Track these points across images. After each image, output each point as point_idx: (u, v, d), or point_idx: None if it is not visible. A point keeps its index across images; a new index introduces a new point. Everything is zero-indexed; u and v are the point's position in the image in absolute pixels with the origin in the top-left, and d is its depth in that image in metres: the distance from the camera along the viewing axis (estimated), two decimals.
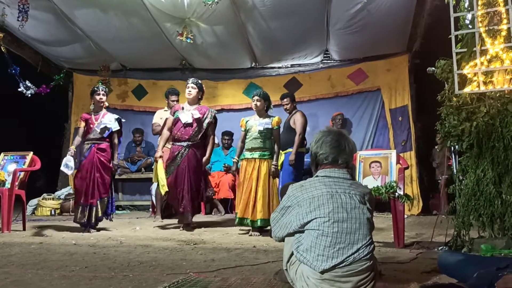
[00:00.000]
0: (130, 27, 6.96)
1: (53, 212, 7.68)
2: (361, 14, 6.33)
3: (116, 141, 5.55)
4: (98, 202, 5.35)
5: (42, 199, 7.85)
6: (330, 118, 7.77)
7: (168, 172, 5.50)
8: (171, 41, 7.33)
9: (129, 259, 3.63)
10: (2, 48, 6.84)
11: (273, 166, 5.24)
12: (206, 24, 6.72)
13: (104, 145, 5.47)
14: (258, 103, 5.33)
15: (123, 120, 5.79)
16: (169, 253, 3.96)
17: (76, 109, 8.80)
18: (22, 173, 5.67)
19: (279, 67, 8.39)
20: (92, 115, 5.57)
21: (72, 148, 5.47)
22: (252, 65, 8.39)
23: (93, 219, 5.34)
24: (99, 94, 5.57)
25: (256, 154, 5.24)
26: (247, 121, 5.39)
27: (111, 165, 5.48)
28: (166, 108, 6.82)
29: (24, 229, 5.56)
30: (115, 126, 5.50)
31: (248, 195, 5.14)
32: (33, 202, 7.87)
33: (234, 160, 5.42)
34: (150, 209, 7.42)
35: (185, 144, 5.49)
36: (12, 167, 5.63)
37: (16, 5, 6.12)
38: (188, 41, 6.68)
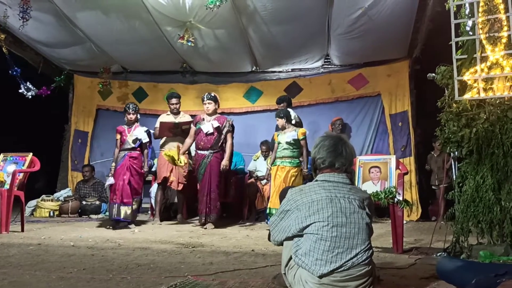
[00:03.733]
0: (131, 29, 6.97)
1: (51, 214, 7.66)
2: (362, 19, 6.34)
3: (146, 150, 6.37)
4: (130, 203, 5.99)
5: (41, 200, 7.84)
6: (330, 123, 7.77)
7: (199, 176, 6.16)
8: (172, 44, 7.34)
9: (127, 262, 3.63)
10: (3, 49, 6.85)
11: (305, 171, 5.95)
12: (207, 28, 6.73)
13: (136, 153, 6.21)
14: (279, 121, 6.01)
15: (151, 131, 6.54)
16: (167, 255, 3.95)
17: (76, 111, 8.81)
18: (21, 174, 5.67)
19: (279, 71, 8.38)
20: (126, 128, 6.31)
21: (113, 167, 6.22)
22: (253, 69, 8.39)
23: (123, 216, 5.94)
24: (129, 114, 6.33)
25: (286, 162, 5.88)
26: (278, 135, 6.06)
27: (143, 171, 6.25)
28: (168, 112, 6.85)
29: (22, 230, 5.55)
30: (144, 138, 6.27)
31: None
32: (32, 203, 7.86)
33: (268, 167, 6.21)
34: (149, 212, 7.41)
35: (207, 152, 6.11)
36: (11, 168, 5.62)
37: (18, 6, 6.14)
38: (189, 44, 6.69)
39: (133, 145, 6.20)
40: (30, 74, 7.70)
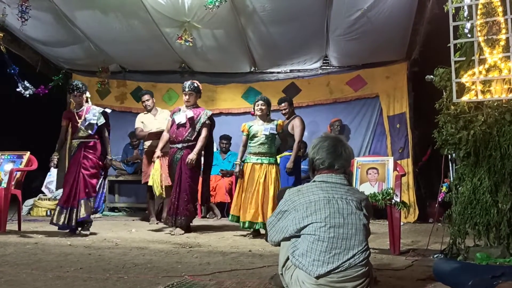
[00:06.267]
0: (130, 29, 6.96)
1: (48, 213, 7.63)
2: (361, 21, 6.34)
3: (106, 135, 5.38)
4: (82, 202, 5.11)
5: (38, 199, 7.83)
6: (328, 124, 7.78)
7: (171, 176, 5.67)
8: (171, 44, 7.34)
9: (124, 261, 3.63)
10: (2, 47, 6.84)
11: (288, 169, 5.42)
12: (206, 28, 6.73)
13: (92, 142, 5.28)
14: (263, 107, 5.40)
15: (108, 111, 5.55)
16: (164, 255, 3.95)
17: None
18: (19, 173, 5.65)
19: (278, 72, 8.39)
20: (75, 113, 5.34)
21: (55, 157, 5.28)
22: (251, 70, 8.39)
23: (74, 221, 5.08)
24: (75, 96, 5.33)
25: (264, 160, 5.33)
26: (250, 126, 5.41)
27: (102, 162, 5.32)
28: (145, 111, 6.84)
29: (19, 229, 5.54)
30: (100, 121, 5.30)
31: (256, 199, 5.22)
32: (29, 202, 7.85)
33: (238, 162, 5.41)
34: (147, 211, 7.40)
35: (180, 146, 5.57)
36: (8, 166, 5.61)
37: (16, 4, 6.12)
38: (187, 44, 6.68)
39: (88, 132, 5.24)
40: (28, 73, 7.68)
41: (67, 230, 5.16)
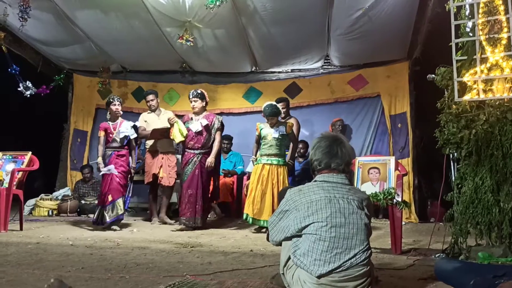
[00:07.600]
0: (131, 29, 6.97)
1: (50, 213, 7.66)
2: (362, 20, 6.34)
3: (134, 145, 6.17)
4: (116, 202, 5.73)
5: (40, 199, 7.83)
6: (330, 123, 7.77)
7: (184, 177, 5.92)
8: (172, 44, 7.34)
9: (125, 261, 3.63)
10: (3, 47, 6.85)
11: (290, 162, 5.73)
12: (207, 28, 6.73)
13: (124, 151, 5.96)
14: (273, 121, 5.63)
15: (137, 124, 6.22)
16: (166, 255, 3.95)
17: (75, 110, 8.81)
18: (20, 173, 5.67)
19: (279, 72, 8.37)
20: (110, 125, 5.97)
21: (100, 161, 5.87)
22: (252, 69, 8.38)
23: (108, 218, 5.69)
24: (115, 105, 5.98)
25: (274, 161, 5.56)
26: (262, 129, 5.70)
27: (129, 168, 6.03)
28: (149, 111, 6.85)
29: (21, 229, 5.55)
30: (132, 133, 6.02)
31: (265, 197, 5.45)
32: (31, 202, 7.85)
33: (253, 159, 5.88)
34: (148, 211, 7.40)
35: (197, 152, 5.95)
36: (10, 166, 5.63)
37: (17, 4, 6.13)
38: (188, 44, 6.68)
39: (121, 143, 5.94)
40: (30, 73, 7.68)
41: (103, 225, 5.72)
